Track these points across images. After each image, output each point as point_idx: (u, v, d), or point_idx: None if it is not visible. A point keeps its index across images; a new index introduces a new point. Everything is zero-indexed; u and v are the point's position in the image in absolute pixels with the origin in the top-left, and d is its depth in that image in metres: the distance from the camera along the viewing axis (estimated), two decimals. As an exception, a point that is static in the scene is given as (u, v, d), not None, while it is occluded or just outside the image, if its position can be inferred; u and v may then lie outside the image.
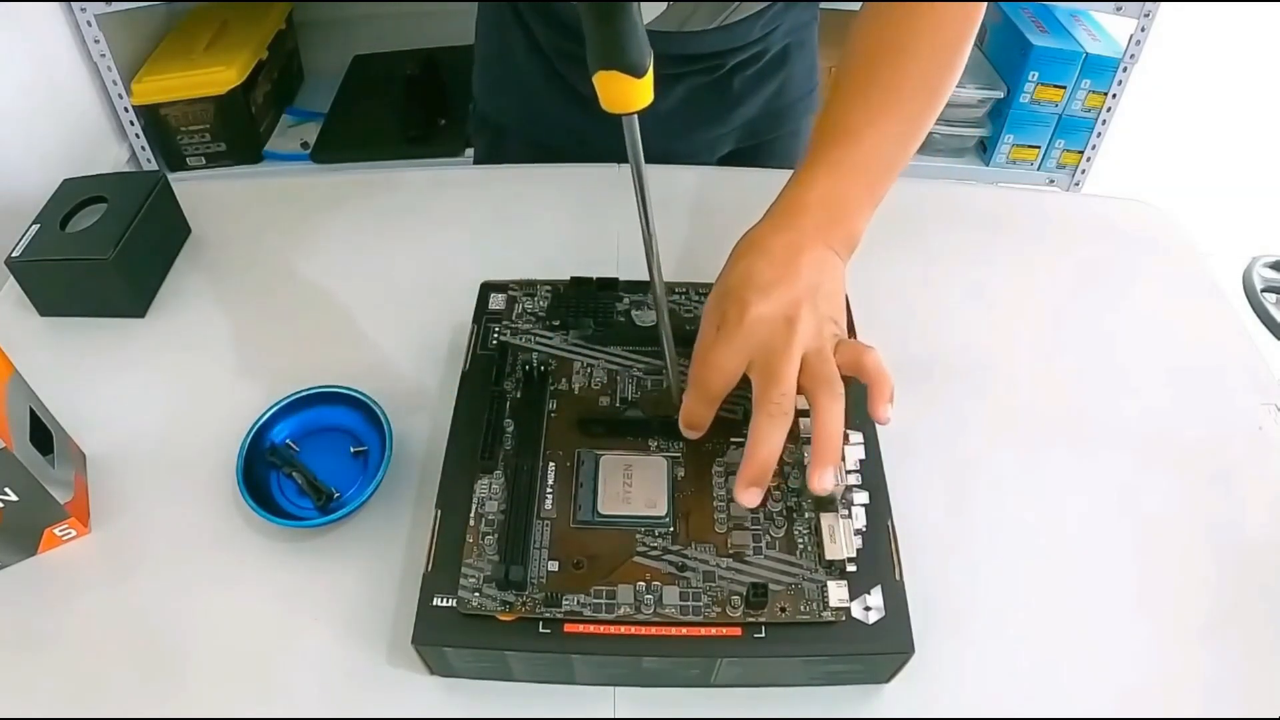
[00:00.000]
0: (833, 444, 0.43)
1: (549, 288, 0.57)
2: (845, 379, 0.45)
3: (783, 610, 0.42)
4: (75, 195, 0.64)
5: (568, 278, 0.57)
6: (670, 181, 0.73)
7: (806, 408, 0.49)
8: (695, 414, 0.46)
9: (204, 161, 1.67)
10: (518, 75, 0.77)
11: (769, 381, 0.44)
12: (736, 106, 0.77)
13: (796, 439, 0.48)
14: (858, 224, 0.51)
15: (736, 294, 0.46)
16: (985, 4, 0.54)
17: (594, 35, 0.36)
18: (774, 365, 0.44)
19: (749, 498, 0.43)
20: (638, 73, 0.36)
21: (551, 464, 0.48)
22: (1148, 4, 1.44)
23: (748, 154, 0.82)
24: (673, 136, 0.76)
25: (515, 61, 0.76)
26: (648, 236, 0.43)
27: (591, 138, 0.76)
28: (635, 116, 0.39)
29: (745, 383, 0.52)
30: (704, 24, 0.67)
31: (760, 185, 0.75)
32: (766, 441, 0.43)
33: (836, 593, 0.42)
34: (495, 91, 0.82)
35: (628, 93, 0.37)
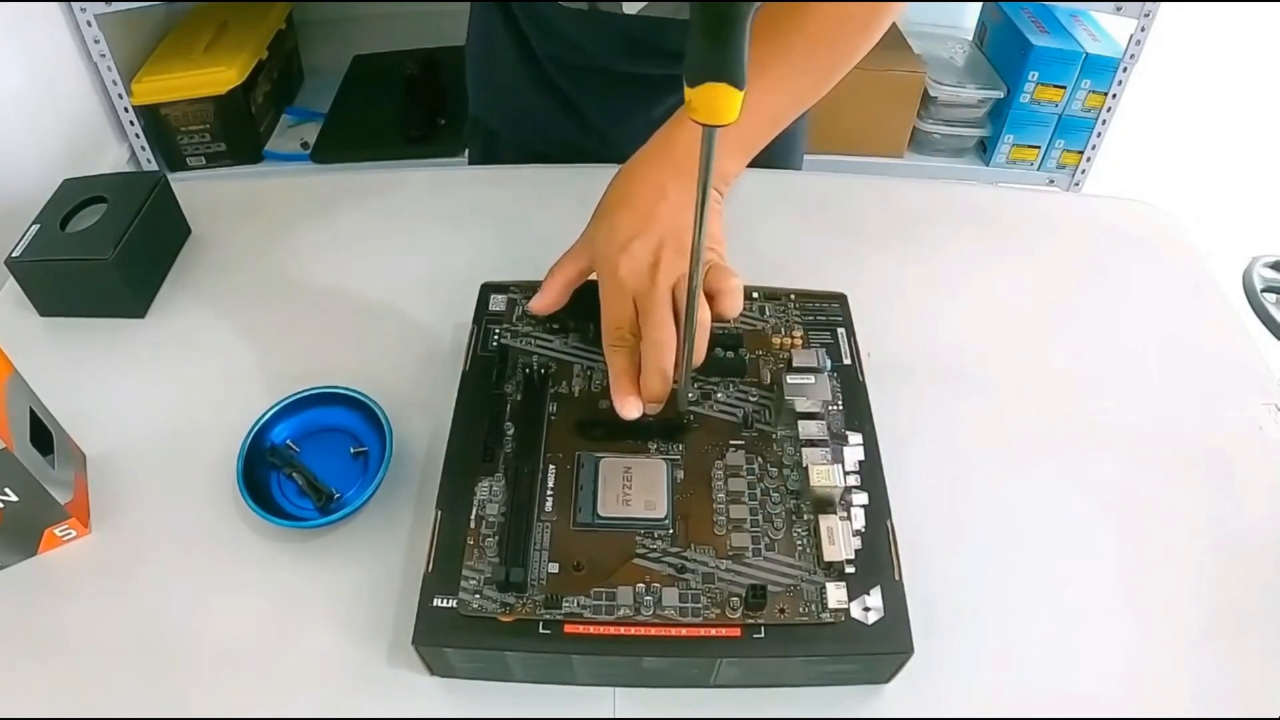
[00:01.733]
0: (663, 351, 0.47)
1: (549, 288, 0.56)
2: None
3: (782, 611, 0.42)
4: (75, 195, 0.64)
5: (568, 278, 0.57)
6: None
7: (804, 405, 0.49)
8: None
9: (204, 161, 1.67)
10: (507, 83, 0.77)
11: (645, 316, 0.48)
12: None
13: (796, 441, 0.48)
14: (726, 164, 0.54)
15: (604, 255, 0.50)
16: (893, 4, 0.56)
17: (704, 46, 0.33)
18: (647, 304, 0.48)
19: (625, 408, 0.48)
20: (742, 84, 0.34)
21: (552, 466, 0.48)
22: (1148, 4, 1.44)
23: None
24: None
25: (505, 70, 0.76)
26: (697, 244, 0.42)
27: (582, 146, 0.76)
28: (717, 128, 0.37)
29: (746, 382, 0.52)
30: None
31: (761, 186, 0.75)
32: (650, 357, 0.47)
33: (835, 594, 0.42)
34: (486, 96, 0.82)
35: (727, 105, 0.35)
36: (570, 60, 0.72)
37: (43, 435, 0.50)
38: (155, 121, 1.60)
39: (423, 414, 0.56)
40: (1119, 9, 1.47)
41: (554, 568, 0.43)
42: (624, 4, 0.64)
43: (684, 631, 0.41)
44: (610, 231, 0.50)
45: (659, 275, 0.48)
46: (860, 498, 0.46)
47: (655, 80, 0.71)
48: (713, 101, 0.35)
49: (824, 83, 0.58)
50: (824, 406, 0.49)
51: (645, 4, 0.65)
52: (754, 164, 0.80)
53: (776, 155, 0.83)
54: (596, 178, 0.74)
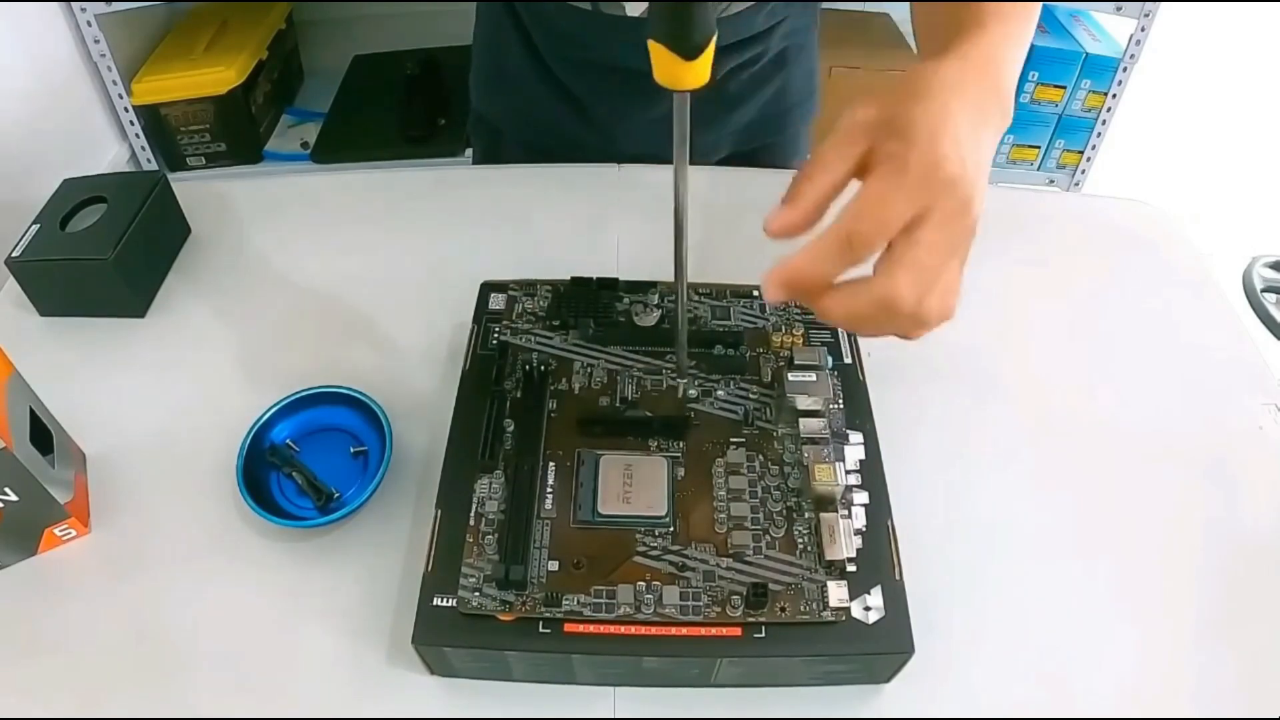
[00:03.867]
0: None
1: (549, 288, 0.57)
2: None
3: (782, 610, 0.42)
4: (75, 195, 0.64)
5: (568, 278, 0.57)
6: (664, 181, 0.73)
7: (805, 403, 0.49)
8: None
9: (204, 161, 1.67)
10: (513, 78, 0.77)
11: (914, 247, 0.34)
12: (732, 110, 0.76)
13: (797, 439, 0.48)
14: (1012, 96, 0.41)
15: (929, 136, 0.35)
16: None
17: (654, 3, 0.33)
18: (929, 240, 0.34)
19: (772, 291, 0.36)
20: (686, 53, 0.33)
21: (551, 464, 0.48)
22: (1148, 4, 1.44)
23: (745, 159, 0.82)
24: (667, 139, 0.76)
25: (510, 65, 0.76)
26: (680, 216, 0.40)
27: (586, 143, 0.76)
28: (686, 95, 0.36)
29: (747, 379, 0.52)
30: None
31: (761, 186, 0.75)
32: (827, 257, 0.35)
33: (836, 593, 0.42)
34: (491, 94, 0.82)
35: (674, 71, 0.34)
36: (575, 57, 0.72)
37: (43, 435, 0.50)
38: (155, 121, 1.60)
39: (423, 413, 0.56)
40: (1119, 9, 1.47)
41: (554, 566, 0.43)
42: (627, 5, 0.64)
43: (684, 631, 0.41)
44: (944, 112, 0.36)
45: (964, 234, 0.36)
46: (861, 496, 0.46)
47: None
48: (660, 62, 0.34)
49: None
50: (825, 404, 0.49)
51: (647, 2, 0.65)
52: (753, 164, 0.80)
53: (778, 160, 0.83)
54: (597, 176, 0.74)
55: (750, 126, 0.79)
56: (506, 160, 0.83)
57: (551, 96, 0.75)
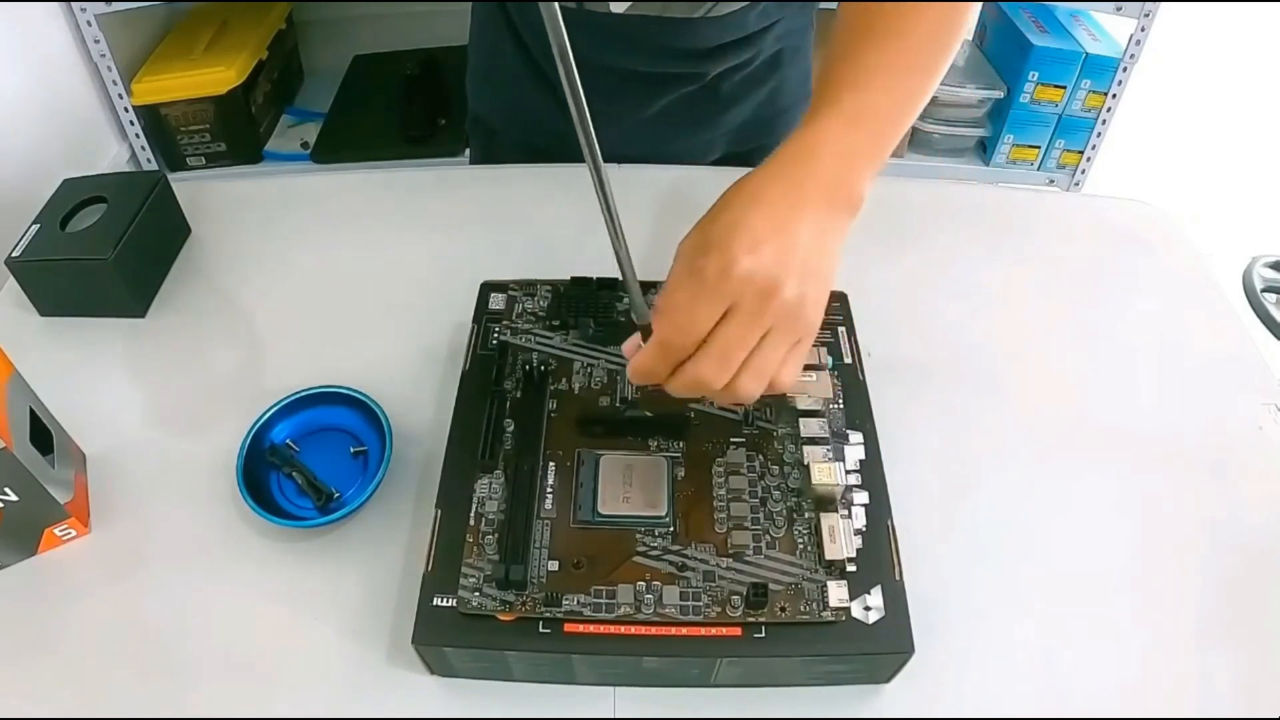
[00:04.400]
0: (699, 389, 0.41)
1: (549, 288, 0.57)
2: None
3: (782, 610, 0.42)
4: (75, 195, 0.64)
5: (568, 278, 0.57)
6: (667, 181, 0.73)
7: (805, 403, 0.49)
8: (654, 372, 0.42)
9: (204, 161, 1.67)
10: (506, 77, 0.77)
11: (716, 340, 0.40)
12: (725, 111, 0.76)
13: (797, 439, 0.48)
14: (864, 183, 0.45)
15: (722, 243, 0.40)
16: None
17: None
18: (728, 335, 0.40)
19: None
20: None
21: (551, 464, 0.48)
22: (1148, 4, 1.44)
23: (740, 160, 0.81)
24: (661, 141, 0.75)
25: (503, 64, 0.76)
26: (591, 148, 0.40)
27: (578, 142, 0.76)
28: (555, 6, 0.36)
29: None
30: (685, 13, 0.66)
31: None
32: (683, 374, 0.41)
33: (836, 593, 0.42)
34: (486, 93, 0.82)
35: None
36: (576, 58, 0.72)
37: (43, 435, 0.50)
38: (155, 121, 1.60)
39: (423, 413, 0.56)
40: (1119, 9, 1.47)
41: (554, 566, 0.43)
42: (610, 4, 0.64)
43: (684, 631, 0.41)
44: (735, 222, 0.41)
45: (765, 312, 0.40)
46: (861, 496, 0.46)
47: (649, 77, 0.71)
48: None
49: (933, 83, 0.49)
50: (825, 404, 0.49)
51: (631, 3, 0.64)
52: (749, 165, 0.80)
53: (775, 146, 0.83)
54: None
55: (744, 128, 0.79)
56: (502, 160, 0.83)
57: (543, 96, 0.75)
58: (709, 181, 0.74)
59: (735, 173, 0.80)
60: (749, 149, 0.81)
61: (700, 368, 0.41)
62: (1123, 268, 0.69)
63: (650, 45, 0.69)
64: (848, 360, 0.53)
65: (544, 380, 0.52)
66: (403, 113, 1.72)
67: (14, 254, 0.61)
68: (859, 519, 0.45)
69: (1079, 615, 0.48)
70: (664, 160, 0.74)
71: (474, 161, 0.89)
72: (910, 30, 0.48)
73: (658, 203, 0.72)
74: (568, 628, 0.42)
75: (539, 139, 0.80)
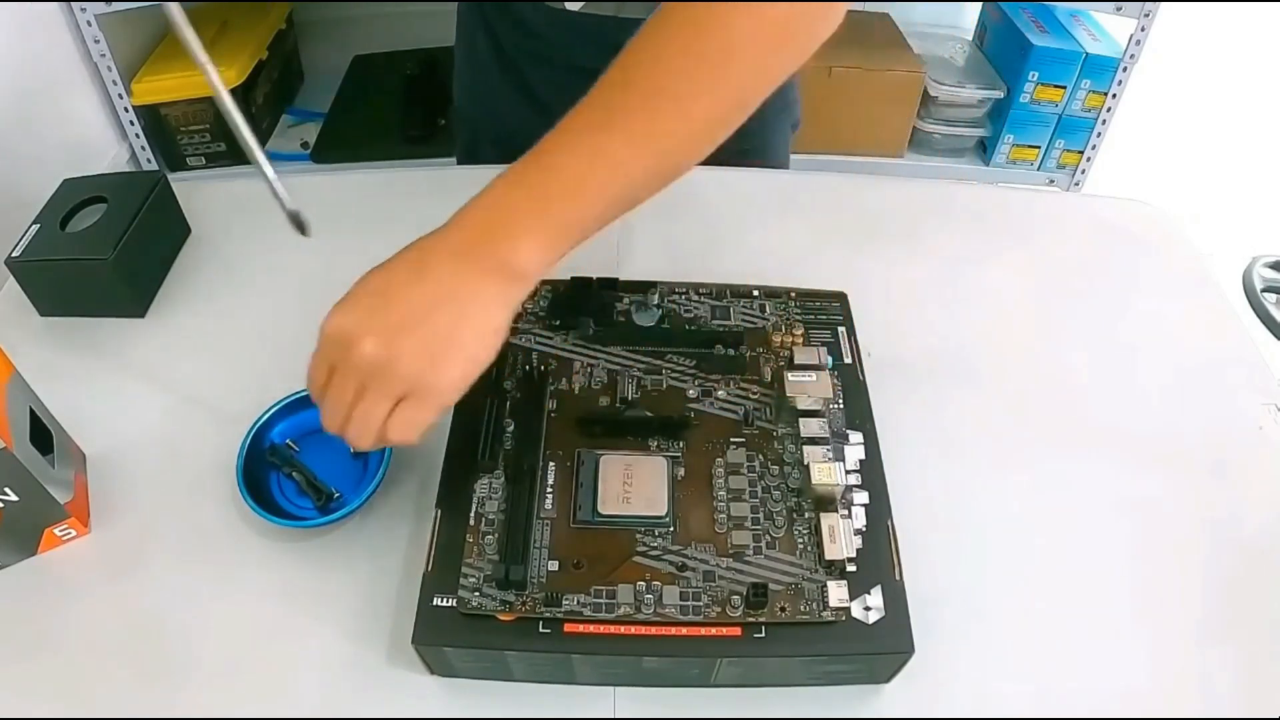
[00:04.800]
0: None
1: (549, 288, 0.57)
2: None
3: (782, 610, 0.42)
4: (75, 195, 0.64)
5: (568, 278, 0.57)
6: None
7: (805, 403, 0.50)
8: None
9: (204, 161, 1.67)
10: (484, 76, 0.77)
11: (324, 394, 0.43)
12: None
13: (797, 439, 0.48)
14: (519, 249, 0.42)
15: (332, 314, 0.43)
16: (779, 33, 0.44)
17: None
18: (331, 390, 0.43)
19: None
20: None
21: (551, 464, 0.48)
22: (1148, 4, 1.44)
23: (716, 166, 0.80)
24: None
25: (481, 62, 0.77)
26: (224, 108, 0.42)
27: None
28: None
29: (747, 379, 0.52)
30: (641, 13, 0.66)
31: (761, 186, 0.75)
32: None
33: (836, 593, 0.42)
34: (466, 91, 0.83)
35: None
36: (537, 52, 0.72)
37: (43, 435, 0.50)
38: (155, 121, 1.60)
39: (423, 413, 0.56)
40: (1119, 9, 1.47)
41: (554, 566, 0.43)
42: (567, 3, 0.64)
43: (684, 631, 0.41)
44: (357, 288, 0.44)
45: (350, 360, 0.41)
46: (861, 496, 0.46)
47: None
48: None
49: (667, 147, 0.45)
50: (825, 404, 0.49)
51: (584, 2, 0.64)
52: (745, 163, 0.79)
53: (754, 152, 0.81)
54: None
55: None
56: (484, 159, 0.83)
57: (515, 94, 0.75)
58: (709, 181, 0.74)
59: (740, 173, 0.80)
60: (722, 157, 0.79)
61: (322, 413, 0.44)
62: (1123, 268, 0.69)
63: (613, 44, 0.69)
64: (848, 360, 0.53)
65: (544, 380, 0.52)
66: (403, 113, 1.72)
67: (14, 254, 0.61)
68: (859, 519, 0.45)
69: (1079, 615, 0.48)
70: None
71: (459, 158, 0.89)
72: (628, 93, 0.44)
73: (660, 203, 0.72)
74: (568, 628, 0.42)
75: (514, 138, 0.80)
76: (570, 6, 0.65)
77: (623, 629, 0.41)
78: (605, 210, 0.44)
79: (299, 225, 0.47)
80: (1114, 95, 1.58)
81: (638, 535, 0.45)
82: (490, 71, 0.76)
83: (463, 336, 0.42)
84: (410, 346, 0.41)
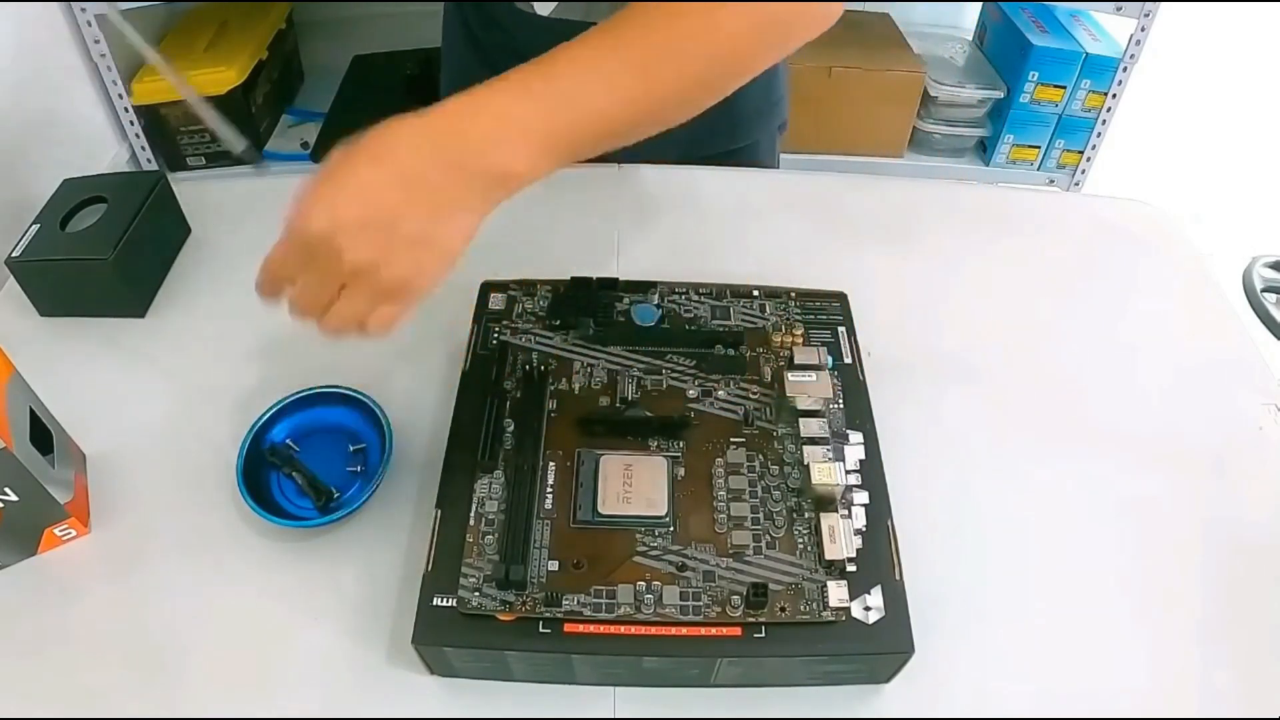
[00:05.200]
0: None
1: (549, 287, 0.57)
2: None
3: (783, 610, 0.42)
4: (75, 195, 0.64)
5: (568, 278, 0.57)
6: (664, 180, 0.73)
7: (805, 403, 0.50)
8: (268, 281, 0.45)
9: (204, 161, 1.67)
10: (465, 74, 0.78)
11: (297, 287, 0.44)
12: None
13: (797, 439, 0.48)
14: (517, 157, 0.42)
15: (312, 196, 0.41)
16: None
17: None
18: (304, 285, 0.43)
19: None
20: None
21: (551, 464, 0.48)
22: (1148, 4, 1.44)
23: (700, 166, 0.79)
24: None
25: (462, 61, 0.77)
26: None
27: None
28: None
29: (747, 379, 0.52)
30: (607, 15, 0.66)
31: (761, 186, 0.75)
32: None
33: (836, 593, 0.42)
34: (451, 88, 0.83)
35: None
36: (514, 51, 0.72)
37: (43, 435, 0.50)
38: (155, 121, 1.60)
39: (423, 413, 0.56)
40: (1119, 9, 1.47)
41: (554, 566, 0.43)
42: (536, 5, 0.64)
43: (684, 631, 0.41)
44: (330, 182, 0.41)
45: (332, 277, 0.41)
46: (861, 496, 0.46)
47: None
48: None
49: (681, 104, 0.46)
50: (825, 404, 0.49)
51: (556, 4, 0.64)
52: (738, 163, 0.79)
53: (742, 153, 0.81)
54: (596, 176, 0.74)
55: (695, 134, 0.77)
56: None
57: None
58: (710, 181, 0.74)
59: (740, 173, 0.80)
60: (705, 156, 0.78)
61: (291, 304, 0.44)
62: (1123, 268, 0.69)
63: None
64: (848, 360, 0.53)
65: (544, 380, 0.52)
66: (402, 113, 1.72)
67: (14, 254, 0.61)
68: (859, 519, 0.45)
69: (1079, 615, 0.48)
70: (613, 160, 0.73)
71: None
72: (663, 27, 0.44)
73: (658, 202, 0.72)
74: (568, 628, 0.42)
75: None
76: (540, 9, 0.65)
77: (623, 629, 0.41)
78: (604, 138, 0.44)
79: (249, 159, 0.47)
80: (1114, 95, 1.58)
81: (638, 535, 0.45)
82: (471, 69, 0.76)
83: (451, 242, 0.42)
84: (400, 253, 0.41)
